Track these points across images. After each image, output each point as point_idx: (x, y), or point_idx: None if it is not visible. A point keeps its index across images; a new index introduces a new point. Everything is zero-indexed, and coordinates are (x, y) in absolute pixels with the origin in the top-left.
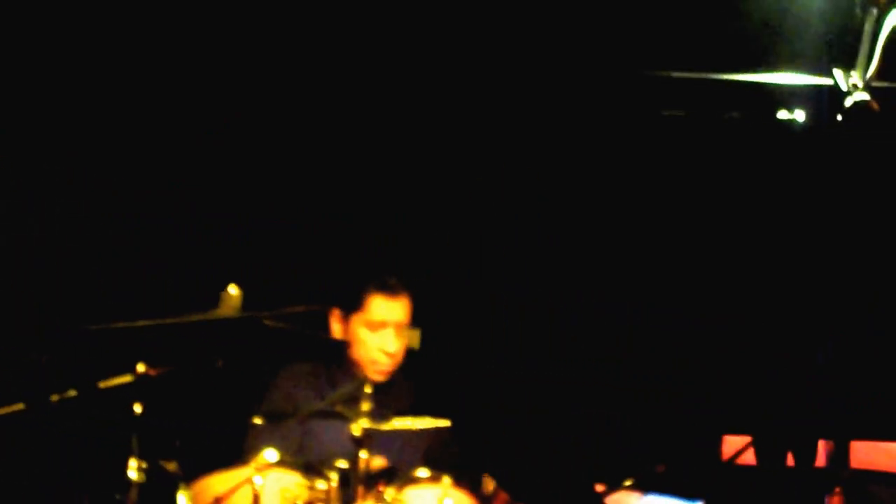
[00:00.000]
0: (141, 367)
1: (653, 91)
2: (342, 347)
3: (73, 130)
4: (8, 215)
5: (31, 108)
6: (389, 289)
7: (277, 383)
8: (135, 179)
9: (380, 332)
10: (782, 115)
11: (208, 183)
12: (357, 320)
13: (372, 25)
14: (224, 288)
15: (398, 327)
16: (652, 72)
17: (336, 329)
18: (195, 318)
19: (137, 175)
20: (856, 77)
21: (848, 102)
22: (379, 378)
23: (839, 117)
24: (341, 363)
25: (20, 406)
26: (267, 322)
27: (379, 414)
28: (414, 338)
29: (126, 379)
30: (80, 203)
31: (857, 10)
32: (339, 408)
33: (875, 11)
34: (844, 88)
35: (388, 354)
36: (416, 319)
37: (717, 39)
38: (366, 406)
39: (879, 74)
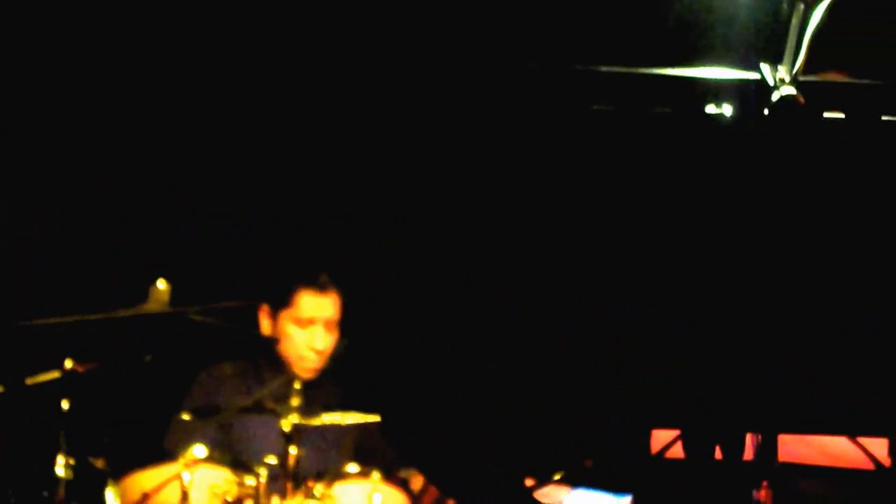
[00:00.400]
0: (69, 363)
1: (582, 86)
2: (271, 344)
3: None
4: None
5: None
6: (318, 285)
7: (199, 383)
8: (61, 173)
9: (308, 329)
10: (710, 109)
11: (137, 177)
12: (285, 317)
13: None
14: (153, 282)
15: (327, 324)
16: (581, 66)
17: (265, 325)
18: (123, 313)
19: (63, 169)
20: (783, 71)
21: (775, 97)
22: (307, 375)
23: (766, 112)
24: (269, 360)
25: None
26: (195, 317)
27: (308, 410)
28: (340, 347)
29: (53, 375)
30: (4, 199)
31: (784, 5)
32: (268, 404)
33: (802, 6)
34: (771, 83)
35: (316, 351)
36: (346, 315)
37: (645, 34)
38: (295, 402)
39: (806, 69)
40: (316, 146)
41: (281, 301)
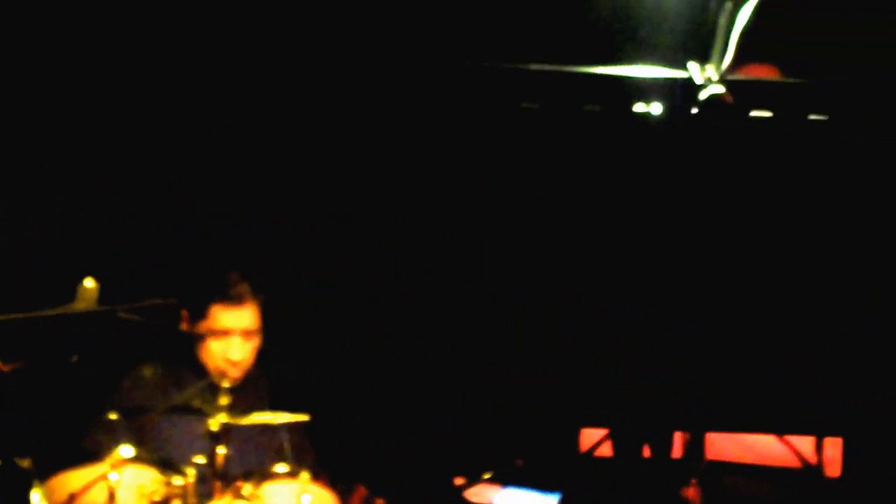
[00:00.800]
0: None
1: (511, 84)
2: (193, 344)
3: None
4: None
5: None
6: (232, 298)
7: (123, 384)
8: None
9: (224, 341)
10: (639, 107)
11: (65, 174)
12: (202, 328)
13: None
14: (80, 281)
15: (244, 334)
16: (509, 64)
17: (186, 327)
18: (50, 312)
19: None
20: (711, 70)
21: (703, 95)
22: (228, 384)
23: (694, 110)
24: (191, 364)
25: None
26: (123, 316)
27: (237, 409)
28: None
29: None
30: None
31: (712, 3)
32: (196, 403)
33: (729, 4)
34: (699, 81)
35: (231, 362)
36: (276, 313)
37: (574, 32)
38: (224, 401)
39: (734, 67)
40: (248, 153)
41: (196, 314)
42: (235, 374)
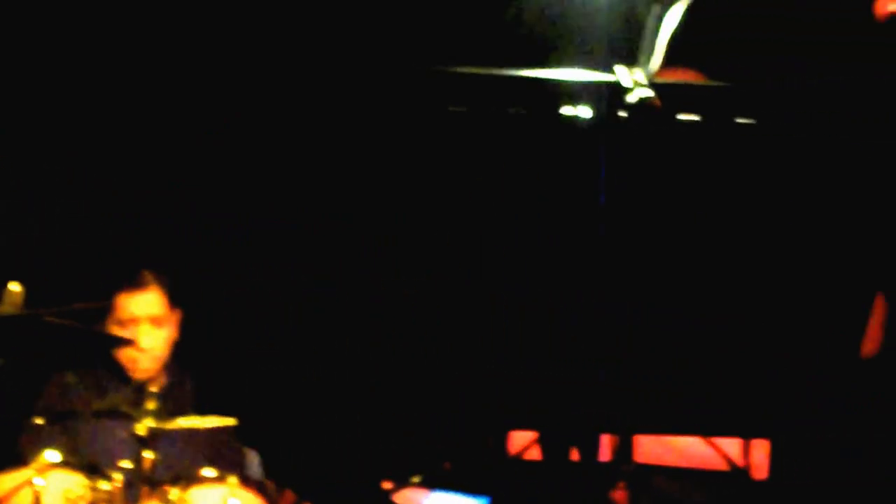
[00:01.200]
0: None
1: (439, 87)
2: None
3: None
4: None
5: None
6: (134, 283)
7: (49, 389)
8: None
9: (131, 329)
10: (566, 110)
11: None
12: (111, 323)
13: None
14: (4, 285)
15: (151, 321)
16: (437, 67)
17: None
18: None
19: None
20: (639, 73)
21: (631, 99)
22: (143, 376)
23: (622, 113)
24: (111, 367)
25: None
26: (49, 319)
27: (164, 413)
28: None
29: None
30: None
31: (640, 7)
32: (123, 407)
33: (657, 8)
34: (627, 85)
35: (140, 350)
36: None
37: (501, 35)
38: (151, 405)
39: (662, 71)
40: (151, 150)
41: (108, 309)
42: (147, 364)
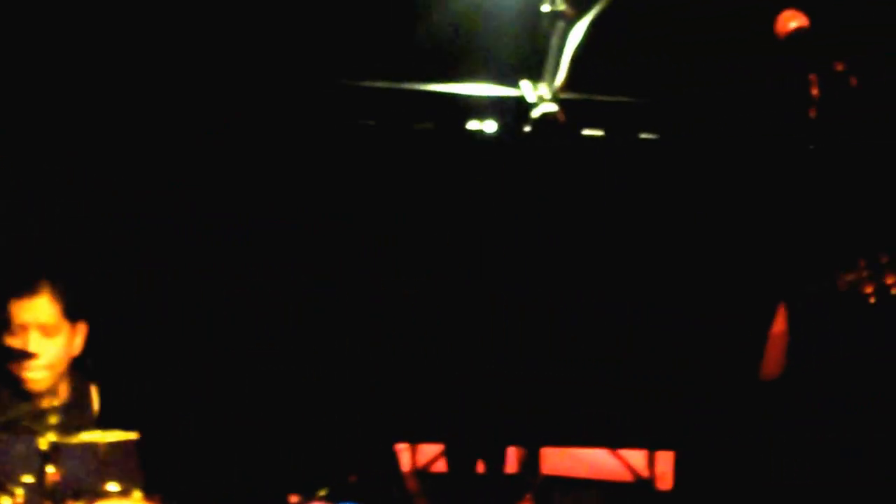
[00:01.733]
0: None
1: (346, 101)
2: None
3: None
4: None
5: None
6: (23, 288)
7: None
8: None
9: (21, 337)
10: (472, 125)
11: None
12: (1, 329)
13: None
14: None
15: (43, 329)
16: (344, 81)
17: None
18: None
19: None
20: (543, 88)
21: (535, 114)
22: (36, 387)
23: (527, 128)
24: (10, 379)
25: None
26: None
27: (66, 427)
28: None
29: None
30: None
31: (545, 22)
32: (25, 421)
33: (562, 23)
34: (532, 100)
35: (32, 358)
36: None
37: (407, 50)
38: (53, 420)
39: (566, 86)
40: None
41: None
42: (39, 374)
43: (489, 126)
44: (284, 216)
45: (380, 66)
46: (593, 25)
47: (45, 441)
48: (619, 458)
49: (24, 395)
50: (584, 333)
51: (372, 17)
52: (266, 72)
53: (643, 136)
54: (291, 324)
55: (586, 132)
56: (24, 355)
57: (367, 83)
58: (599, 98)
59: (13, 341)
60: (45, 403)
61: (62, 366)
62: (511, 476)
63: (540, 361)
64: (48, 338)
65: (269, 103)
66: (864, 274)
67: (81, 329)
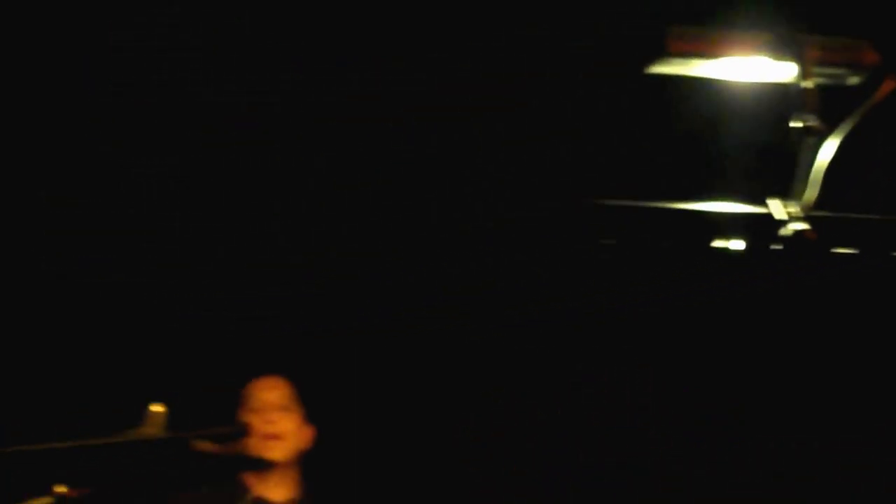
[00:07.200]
0: (61, 489)
1: (589, 219)
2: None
3: None
4: None
5: None
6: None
7: None
8: None
9: (263, 415)
10: (718, 243)
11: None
12: (243, 411)
13: None
14: (148, 405)
15: (282, 408)
16: (587, 199)
17: None
18: (119, 438)
19: None
20: (793, 206)
21: (785, 231)
22: (277, 458)
23: (777, 246)
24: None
25: None
26: (195, 443)
27: None
28: None
29: (46, 501)
30: None
31: (794, 138)
32: None
33: (811, 140)
34: (781, 217)
35: (276, 436)
36: None
37: (652, 168)
38: None
39: (817, 203)
40: None
41: None
42: (280, 450)
43: (736, 244)
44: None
45: (625, 184)
46: (845, 141)
47: None
48: None
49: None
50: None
51: (618, 134)
52: (510, 188)
53: None
54: None
55: (838, 250)
56: (268, 433)
57: (612, 201)
58: (851, 216)
59: (255, 419)
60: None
61: (296, 446)
62: None
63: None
64: (287, 415)
65: (514, 221)
66: None
67: (310, 430)
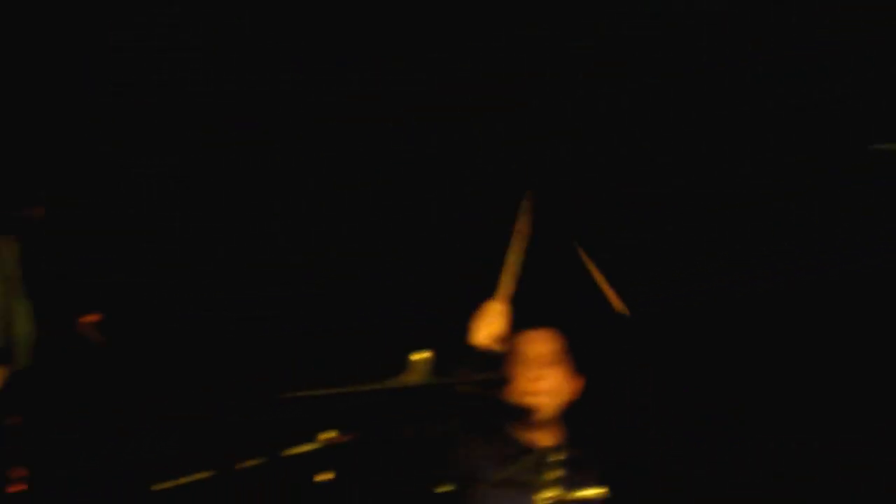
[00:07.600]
0: (328, 435)
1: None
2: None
3: None
4: None
5: None
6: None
7: (456, 455)
8: None
9: (533, 370)
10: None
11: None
12: (511, 364)
13: None
14: (410, 353)
15: (550, 362)
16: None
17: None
18: (384, 384)
19: None
20: None
21: None
22: (543, 416)
23: None
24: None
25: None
26: (460, 389)
27: (565, 483)
28: None
29: (311, 447)
30: None
31: None
32: (524, 476)
33: None
34: None
35: (544, 391)
36: None
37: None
38: (553, 475)
39: None
40: None
41: None
42: (548, 405)
43: None
44: None
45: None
46: None
47: (544, 497)
48: None
49: (526, 450)
50: None
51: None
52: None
53: None
54: None
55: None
56: (536, 387)
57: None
58: None
59: (524, 373)
60: (546, 458)
61: (564, 400)
62: None
63: None
64: (554, 369)
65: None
66: None
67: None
